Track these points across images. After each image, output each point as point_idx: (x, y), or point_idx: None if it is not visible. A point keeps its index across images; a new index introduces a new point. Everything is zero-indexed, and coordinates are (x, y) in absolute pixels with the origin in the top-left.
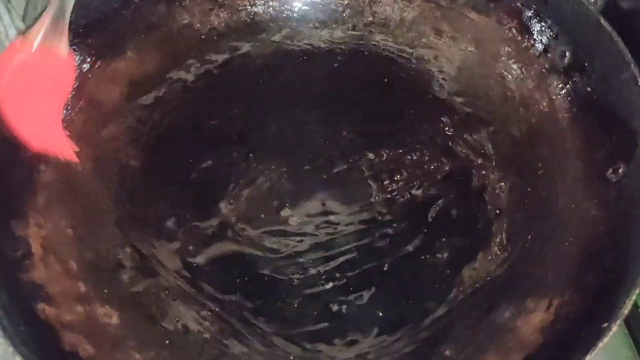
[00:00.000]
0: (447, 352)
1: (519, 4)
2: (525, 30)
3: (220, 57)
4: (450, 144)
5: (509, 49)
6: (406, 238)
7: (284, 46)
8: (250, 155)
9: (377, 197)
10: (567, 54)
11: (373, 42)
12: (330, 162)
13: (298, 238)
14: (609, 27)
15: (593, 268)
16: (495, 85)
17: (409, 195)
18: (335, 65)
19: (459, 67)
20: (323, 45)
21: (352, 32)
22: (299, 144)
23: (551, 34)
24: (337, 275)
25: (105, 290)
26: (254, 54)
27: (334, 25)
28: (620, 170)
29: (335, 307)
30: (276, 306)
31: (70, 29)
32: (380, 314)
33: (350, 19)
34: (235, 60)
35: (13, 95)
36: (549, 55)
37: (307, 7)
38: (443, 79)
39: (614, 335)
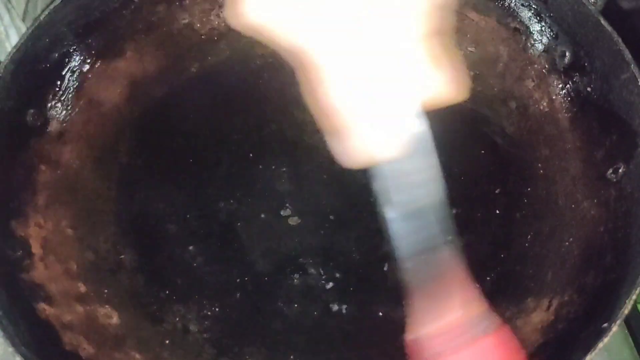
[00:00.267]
0: None
1: (519, 4)
2: (525, 30)
3: (220, 57)
4: None
5: (509, 49)
6: None
7: None
8: (250, 155)
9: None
10: (567, 54)
11: None
12: (330, 162)
13: (298, 238)
14: (609, 27)
15: (593, 268)
16: (495, 85)
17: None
18: None
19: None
20: None
21: None
22: (299, 144)
23: (551, 34)
24: (337, 275)
25: (105, 290)
26: (254, 54)
27: None
28: (620, 170)
29: (335, 307)
30: (276, 306)
31: (70, 29)
32: (380, 314)
33: None
34: (235, 60)
35: None
36: (549, 55)
37: None
38: None
39: (614, 335)
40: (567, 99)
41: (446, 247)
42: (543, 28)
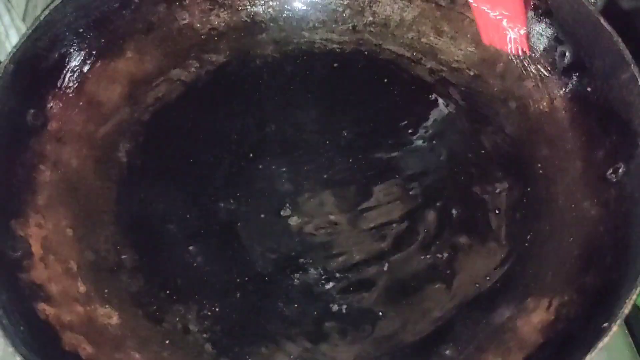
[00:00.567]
0: (447, 352)
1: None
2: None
3: (220, 57)
4: None
5: None
6: (406, 238)
7: (284, 46)
8: (250, 155)
9: (377, 197)
10: (567, 54)
11: (373, 42)
12: (330, 162)
13: (298, 238)
14: (609, 27)
15: (593, 268)
16: (495, 85)
17: (409, 195)
18: (335, 65)
19: (459, 67)
20: (323, 45)
21: (352, 32)
22: (299, 144)
23: (551, 34)
24: (337, 275)
25: (105, 290)
26: (254, 54)
27: (334, 25)
28: (620, 170)
29: (335, 307)
30: (276, 306)
31: (70, 29)
32: (380, 314)
33: (350, 19)
34: (235, 60)
35: None
36: (549, 55)
37: (307, 7)
38: (443, 79)
39: (614, 335)
40: (567, 99)
41: None
42: (543, 28)
